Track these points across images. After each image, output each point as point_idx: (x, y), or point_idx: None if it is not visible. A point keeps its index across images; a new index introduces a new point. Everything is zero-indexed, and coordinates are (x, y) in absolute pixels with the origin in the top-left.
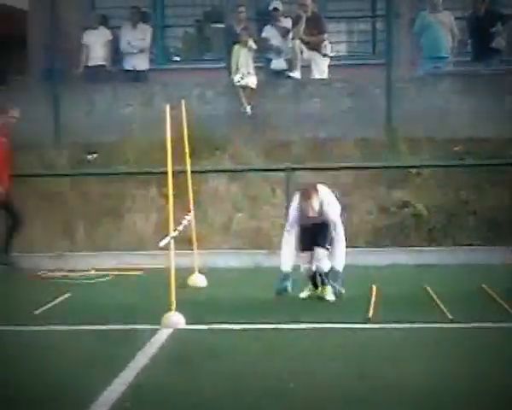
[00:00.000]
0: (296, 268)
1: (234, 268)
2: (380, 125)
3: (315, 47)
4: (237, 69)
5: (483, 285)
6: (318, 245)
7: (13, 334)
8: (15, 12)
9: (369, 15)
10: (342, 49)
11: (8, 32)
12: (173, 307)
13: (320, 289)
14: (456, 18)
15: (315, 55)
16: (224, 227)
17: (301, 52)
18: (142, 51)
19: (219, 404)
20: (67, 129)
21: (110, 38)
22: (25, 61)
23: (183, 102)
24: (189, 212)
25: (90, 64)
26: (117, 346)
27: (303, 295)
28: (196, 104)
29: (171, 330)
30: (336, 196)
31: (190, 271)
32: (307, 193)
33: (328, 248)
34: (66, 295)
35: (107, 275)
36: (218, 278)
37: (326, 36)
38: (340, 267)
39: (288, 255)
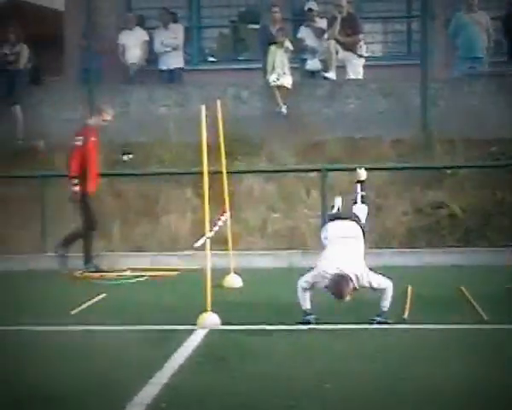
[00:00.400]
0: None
1: (269, 269)
2: (415, 126)
3: (350, 47)
4: (273, 70)
5: None
6: None
7: (50, 334)
8: (51, 13)
9: (404, 16)
10: (377, 49)
11: (44, 33)
12: (209, 307)
13: None
14: (491, 18)
15: (350, 56)
16: (260, 228)
17: (336, 53)
18: (175, 49)
19: (255, 405)
20: (103, 129)
21: (146, 38)
22: (61, 62)
23: (218, 102)
24: (225, 212)
25: (125, 64)
26: (152, 346)
27: None
28: (231, 104)
29: (206, 331)
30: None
31: (226, 271)
32: (341, 293)
33: None
34: (102, 296)
35: (143, 275)
36: (254, 278)
37: (361, 36)
38: (386, 308)
39: (304, 298)
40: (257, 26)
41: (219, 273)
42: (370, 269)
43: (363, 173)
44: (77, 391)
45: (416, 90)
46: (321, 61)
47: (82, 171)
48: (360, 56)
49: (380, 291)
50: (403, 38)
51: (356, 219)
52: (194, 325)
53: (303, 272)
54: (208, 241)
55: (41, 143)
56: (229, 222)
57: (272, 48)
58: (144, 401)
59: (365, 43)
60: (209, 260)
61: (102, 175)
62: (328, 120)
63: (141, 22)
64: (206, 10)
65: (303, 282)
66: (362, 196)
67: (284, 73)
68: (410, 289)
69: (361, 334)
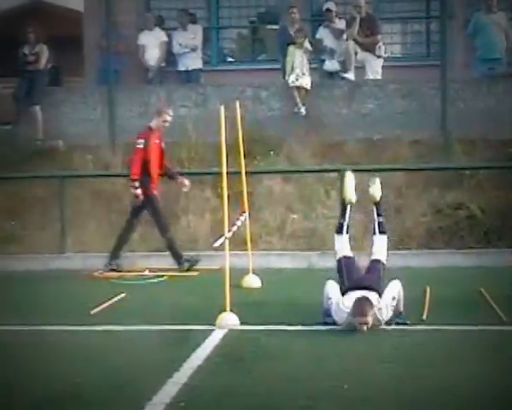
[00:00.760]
0: None
1: (288, 269)
2: (434, 127)
3: (369, 48)
4: (292, 70)
5: None
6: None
7: (69, 334)
8: (71, 13)
9: (423, 16)
10: (396, 50)
11: (63, 34)
12: (228, 307)
13: None
14: (510, 19)
15: (369, 56)
16: (278, 228)
17: (355, 53)
18: (193, 51)
19: (273, 405)
20: (122, 129)
21: (165, 39)
22: (80, 62)
23: (237, 102)
24: (244, 213)
25: (145, 65)
26: (171, 346)
27: None
28: (250, 105)
29: (225, 331)
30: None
31: (245, 272)
32: (363, 312)
33: None
34: (121, 296)
35: (162, 276)
36: (272, 278)
37: (380, 37)
38: (401, 308)
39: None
40: (276, 27)
41: (238, 273)
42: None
43: (377, 191)
44: (96, 391)
45: (435, 91)
46: (339, 61)
47: (144, 173)
48: (379, 57)
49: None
50: (422, 39)
51: (377, 288)
52: (213, 325)
53: (321, 272)
54: (227, 241)
55: (60, 144)
56: (247, 222)
57: (291, 48)
58: (163, 401)
59: (384, 44)
60: (228, 261)
61: (121, 176)
62: (347, 120)
63: (160, 23)
64: (225, 11)
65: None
66: (380, 224)
67: (303, 74)
68: (428, 290)
69: (379, 335)
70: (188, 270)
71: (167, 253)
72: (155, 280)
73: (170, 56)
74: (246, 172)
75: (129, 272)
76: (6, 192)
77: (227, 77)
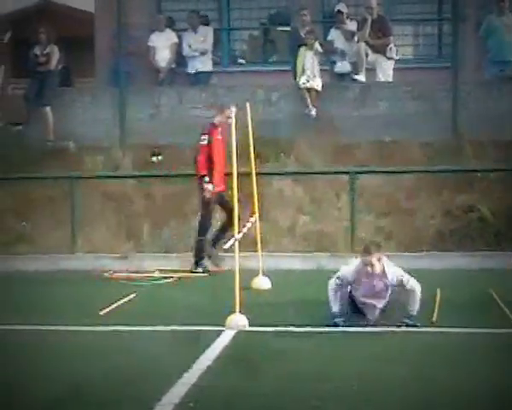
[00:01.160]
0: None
1: (297, 271)
2: (445, 129)
3: (380, 50)
4: (303, 72)
5: None
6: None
7: (79, 334)
8: (82, 14)
9: (435, 18)
10: (408, 51)
11: (75, 34)
12: (237, 308)
13: None
14: None
15: (380, 58)
16: (289, 230)
17: (366, 55)
18: (203, 53)
19: (282, 406)
20: (133, 131)
21: (176, 40)
22: (91, 63)
23: (247, 104)
24: (254, 214)
25: (156, 66)
26: (181, 347)
27: None
28: (261, 107)
29: (234, 332)
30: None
31: (254, 273)
32: (369, 248)
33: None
34: (131, 296)
35: (172, 277)
36: (282, 280)
37: (391, 39)
38: (415, 312)
39: (335, 299)
40: (287, 29)
41: (248, 275)
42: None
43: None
44: (106, 390)
45: (446, 93)
46: (351, 63)
47: (208, 170)
48: (390, 59)
49: (409, 293)
50: (433, 41)
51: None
52: (223, 326)
53: (331, 274)
54: (237, 242)
55: (71, 144)
56: (258, 224)
57: (302, 50)
58: (172, 401)
59: (395, 46)
60: (238, 262)
61: (131, 177)
62: (358, 122)
63: (170, 24)
64: (236, 12)
65: (337, 281)
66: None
67: (314, 76)
68: (438, 292)
69: (389, 337)
70: (204, 272)
71: (178, 254)
72: (165, 281)
73: (180, 58)
74: (256, 174)
75: (138, 272)
76: (17, 193)
77: (238, 78)
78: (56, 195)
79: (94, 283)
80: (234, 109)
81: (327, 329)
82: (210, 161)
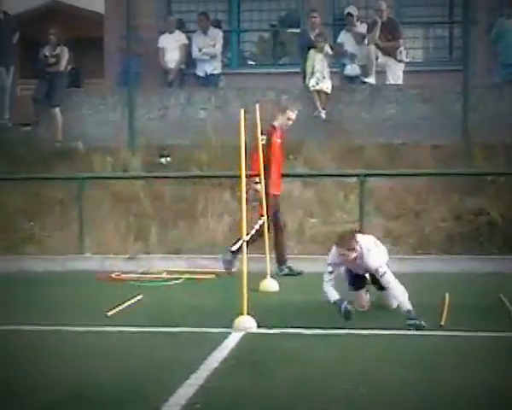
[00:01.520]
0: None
1: (306, 273)
2: (455, 132)
3: (390, 52)
4: (312, 74)
5: None
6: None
7: (85, 335)
8: (91, 15)
9: (445, 21)
10: (418, 54)
11: (84, 35)
12: (245, 310)
13: None
14: None
15: (390, 61)
16: (297, 232)
17: (376, 58)
18: (213, 57)
19: (290, 408)
20: (142, 132)
21: (186, 42)
22: (100, 64)
23: (257, 106)
24: (262, 216)
25: (165, 67)
26: (188, 348)
27: None
28: (270, 108)
29: (242, 334)
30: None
31: (262, 275)
32: (343, 241)
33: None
34: (138, 297)
35: (180, 278)
36: (290, 282)
37: (401, 41)
38: (406, 306)
39: (331, 290)
40: (297, 31)
41: (256, 277)
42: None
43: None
44: (112, 391)
45: (456, 96)
46: (360, 65)
47: (264, 172)
48: (400, 61)
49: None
50: (444, 44)
51: None
52: (230, 328)
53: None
54: (245, 244)
55: (80, 145)
56: (266, 226)
57: (312, 52)
58: (179, 402)
59: (405, 49)
60: (246, 264)
61: (140, 178)
62: (368, 125)
63: (180, 25)
64: (246, 14)
65: (328, 270)
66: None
67: (323, 78)
68: (447, 296)
69: (397, 339)
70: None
71: (186, 255)
72: (173, 282)
73: (190, 59)
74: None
75: (146, 273)
76: (25, 193)
77: (247, 80)
78: (65, 195)
79: (101, 284)
80: (296, 112)
81: (335, 331)
82: (266, 162)
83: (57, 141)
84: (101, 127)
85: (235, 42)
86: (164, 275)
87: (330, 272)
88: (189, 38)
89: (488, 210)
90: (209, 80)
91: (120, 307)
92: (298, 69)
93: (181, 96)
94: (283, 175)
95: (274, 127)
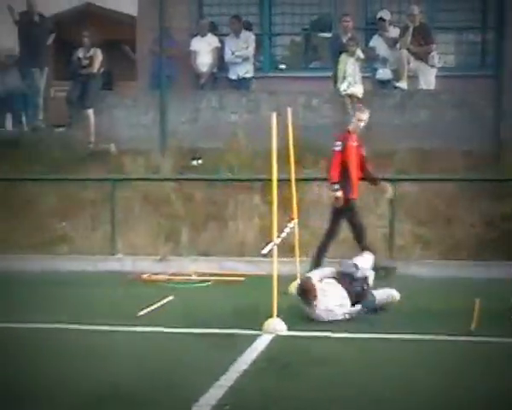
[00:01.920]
0: None
1: None
2: (486, 138)
3: (422, 57)
4: (344, 78)
5: None
6: None
7: (116, 335)
8: (124, 18)
9: (478, 26)
10: (450, 59)
11: (117, 38)
12: (275, 313)
13: None
14: None
15: (422, 66)
16: None
17: (408, 62)
18: (245, 60)
19: None
20: (173, 134)
21: (218, 45)
22: (132, 67)
23: (288, 110)
24: (292, 219)
25: (197, 70)
26: (218, 350)
27: None
28: (302, 112)
29: (272, 336)
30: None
31: (292, 278)
32: (305, 293)
33: None
34: (168, 299)
35: (210, 280)
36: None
37: (434, 46)
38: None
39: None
40: (329, 35)
41: (285, 280)
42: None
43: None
44: (143, 391)
45: (488, 102)
46: (392, 70)
47: (343, 177)
48: (432, 66)
49: None
50: (476, 49)
51: None
52: (260, 330)
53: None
54: (275, 247)
55: (112, 147)
56: (296, 229)
57: (343, 56)
58: (209, 403)
59: (438, 54)
60: (276, 267)
61: (171, 180)
62: (399, 129)
63: (212, 29)
64: (277, 17)
65: None
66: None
67: (355, 82)
68: (477, 301)
69: (426, 344)
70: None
71: (216, 258)
72: (203, 284)
73: (222, 62)
74: (295, 180)
75: (176, 275)
76: (59, 194)
77: (279, 84)
78: (97, 197)
79: (133, 284)
80: (366, 112)
81: (364, 335)
82: (344, 168)
83: (90, 142)
84: (133, 129)
85: (267, 45)
86: (194, 277)
87: None
88: (222, 42)
89: None
90: (241, 84)
91: (151, 308)
92: (329, 73)
93: (212, 100)
94: (313, 179)
95: (349, 132)
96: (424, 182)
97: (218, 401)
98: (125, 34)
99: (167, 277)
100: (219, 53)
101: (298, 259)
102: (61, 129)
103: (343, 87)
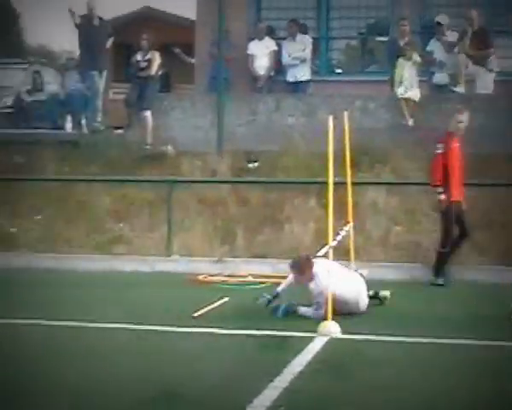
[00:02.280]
0: None
1: (390, 280)
2: None
3: (480, 61)
4: (401, 82)
5: None
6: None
7: (172, 335)
8: (182, 21)
9: None
10: (509, 64)
11: (174, 41)
12: (329, 315)
13: None
14: None
15: (480, 70)
16: (382, 239)
17: (466, 66)
18: (303, 62)
19: None
20: (230, 137)
21: (275, 48)
22: (190, 70)
23: (345, 113)
24: (348, 223)
25: (254, 74)
26: (273, 351)
27: None
28: (358, 116)
29: (326, 339)
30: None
31: None
32: (295, 264)
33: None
34: (224, 300)
35: (265, 282)
36: (374, 289)
37: (492, 51)
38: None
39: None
40: (385, 39)
41: None
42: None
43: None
44: (197, 391)
45: None
46: (449, 74)
47: (445, 179)
48: (490, 71)
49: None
50: None
51: None
52: (315, 332)
53: (424, 285)
54: (331, 250)
55: (169, 149)
56: (351, 232)
57: (400, 60)
58: (264, 404)
59: (496, 58)
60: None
61: (228, 182)
62: None
63: (270, 32)
64: (334, 22)
65: None
66: None
67: (412, 86)
68: None
69: (483, 350)
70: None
71: (271, 260)
72: (258, 286)
73: (279, 65)
74: (352, 183)
75: (232, 276)
76: (116, 195)
77: (335, 87)
78: (154, 198)
79: (188, 285)
80: (465, 113)
81: (418, 339)
82: (445, 170)
83: (147, 144)
84: (191, 131)
85: (324, 49)
86: (249, 279)
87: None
88: (279, 45)
89: None
90: (298, 87)
91: (206, 309)
92: (386, 77)
93: (269, 102)
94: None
95: (450, 134)
96: (479, 187)
97: (273, 402)
98: (184, 37)
99: (223, 278)
100: (277, 56)
101: (353, 262)
102: (119, 130)
103: (400, 91)
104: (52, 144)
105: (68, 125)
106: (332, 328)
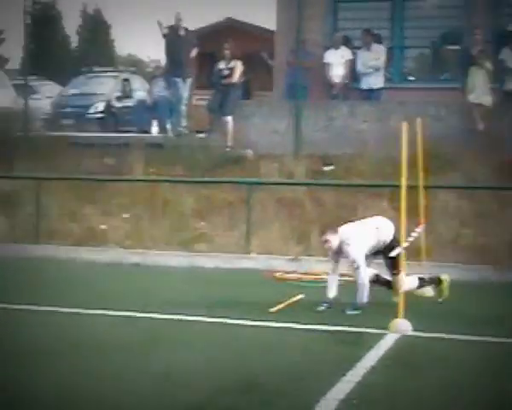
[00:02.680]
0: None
1: (460, 281)
2: None
3: None
4: (473, 90)
5: None
6: None
7: (249, 329)
8: (262, 31)
9: None
10: None
11: (254, 50)
12: (401, 313)
13: None
14: None
15: None
16: (452, 241)
17: None
18: (376, 71)
19: (442, 408)
20: (306, 141)
21: (350, 57)
22: (269, 78)
23: (418, 120)
24: (420, 225)
25: (330, 81)
26: (346, 346)
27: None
28: (430, 122)
29: (398, 336)
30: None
31: None
32: (323, 234)
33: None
34: (299, 297)
35: (340, 280)
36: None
37: None
38: (357, 300)
39: (330, 283)
40: (457, 48)
41: None
42: None
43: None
44: (274, 383)
45: None
46: None
47: None
48: None
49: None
50: None
51: None
52: (386, 329)
53: (494, 286)
54: (404, 251)
55: (249, 152)
56: (423, 234)
57: (473, 69)
58: (337, 397)
59: None
60: (404, 269)
61: (304, 184)
62: None
63: (345, 42)
64: (408, 31)
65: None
66: None
67: (484, 93)
68: None
69: None
70: None
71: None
72: None
73: (354, 74)
74: (424, 187)
75: (307, 275)
76: (198, 195)
77: (408, 94)
78: (234, 198)
79: (265, 282)
80: None
81: (489, 339)
82: None
83: (228, 147)
84: (269, 136)
85: (398, 57)
86: (324, 276)
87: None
88: (354, 54)
89: None
90: (372, 94)
91: (283, 305)
92: (457, 85)
93: (344, 109)
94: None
95: None
96: None
97: (346, 396)
98: (264, 47)
99: (298, 276)
100: (352, 65)
101: (424, 262)
102: (202, 135)
103: (472, 98)
104: (139, 147)
105: (154, 130)
106: (403, 325)
